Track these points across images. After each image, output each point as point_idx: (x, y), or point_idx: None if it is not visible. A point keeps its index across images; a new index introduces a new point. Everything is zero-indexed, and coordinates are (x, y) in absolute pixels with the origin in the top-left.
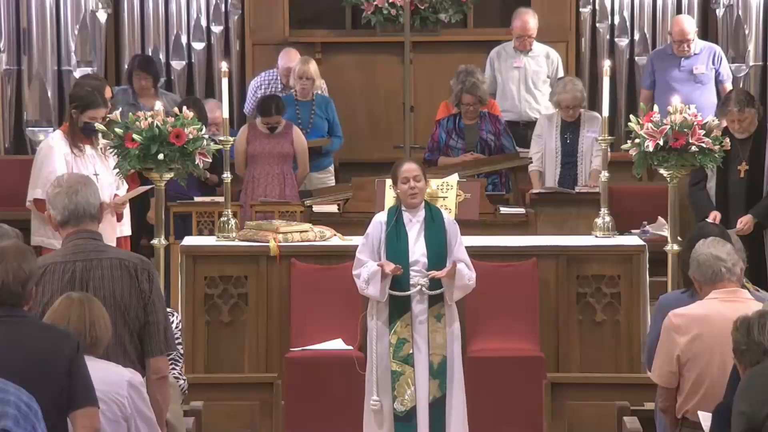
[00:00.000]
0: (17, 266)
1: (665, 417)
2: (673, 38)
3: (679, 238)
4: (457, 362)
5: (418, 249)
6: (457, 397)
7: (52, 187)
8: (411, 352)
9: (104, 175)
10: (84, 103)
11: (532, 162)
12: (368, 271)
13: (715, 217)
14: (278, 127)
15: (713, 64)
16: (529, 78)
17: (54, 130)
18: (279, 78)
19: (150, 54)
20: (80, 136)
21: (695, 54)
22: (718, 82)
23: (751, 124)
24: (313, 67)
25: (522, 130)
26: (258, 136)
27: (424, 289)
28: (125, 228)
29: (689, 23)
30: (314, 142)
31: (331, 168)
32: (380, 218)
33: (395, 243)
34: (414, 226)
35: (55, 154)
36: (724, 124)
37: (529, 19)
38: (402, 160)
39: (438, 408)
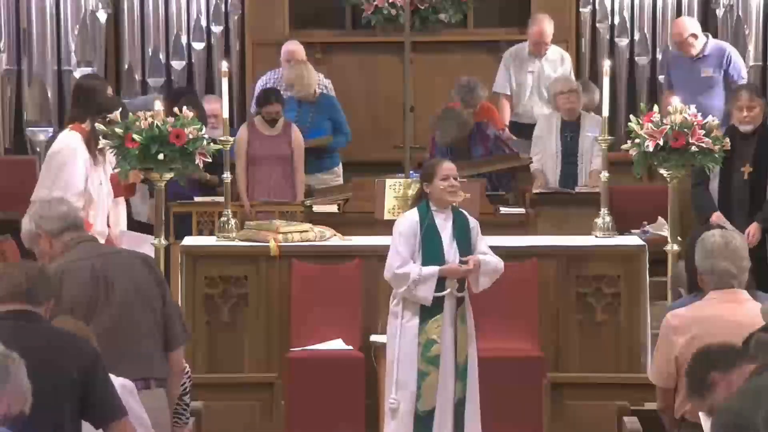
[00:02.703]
0: (41, 267)
1: (664, 417)
2: (673, 40)
3: (679, 238)
4: (476, 361)
5: (452, 250)
6: (475, 395)
7: (37, 206)
8: (440, 353)
9: (106, 184)
10: (105, 109)
11: (532, 162)
12: (418, 273)
13: (717, 218)
14: (278, 119)
15: (725, 64)
16: (542, 83)
17: (60, 131)
18: (283, 76)
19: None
20: (98, 143)
21: (705, 55)
22: (732, 83)
23: (758, 116)
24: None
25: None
26: (258, 137)
27: (454, 291)
28: (122, 228)
29: (685, 23)
30: (314, 142)
31: (337, 169)
32: (413, 217)
33: (430, 244)
34: (445, 226)
35: (78, 158)
36: (732, 121)
37: (546, 26)
38: (436, 159)
39: (461, 408)
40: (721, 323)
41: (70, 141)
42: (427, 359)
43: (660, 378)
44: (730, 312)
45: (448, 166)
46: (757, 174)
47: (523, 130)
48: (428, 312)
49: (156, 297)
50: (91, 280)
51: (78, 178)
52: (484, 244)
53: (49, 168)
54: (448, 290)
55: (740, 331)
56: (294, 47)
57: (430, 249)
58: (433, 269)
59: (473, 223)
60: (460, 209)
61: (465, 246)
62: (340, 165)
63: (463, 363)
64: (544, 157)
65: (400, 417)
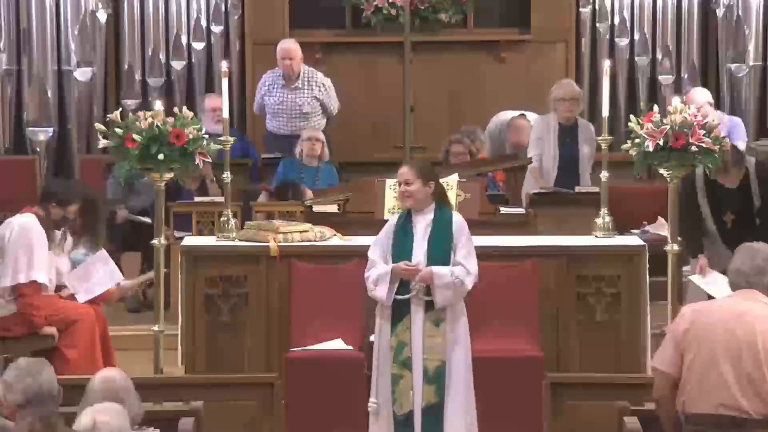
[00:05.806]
0: None
1: (659, 409)
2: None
3: (679, 238)
4: (459, 367)
5: (419, 251)
6: (456, 403)
7: (9, 370)
8: (410, 356)
9: (62, 266)
10: (65, 198)
11: (531, 162)
12: (377, 273)
13: (704, 265)
14: None
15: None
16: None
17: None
18: (281, 75)
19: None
20: (54, 229)
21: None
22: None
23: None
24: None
25: None
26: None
27: (420, 294)
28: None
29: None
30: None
31: None
32: (392, 220)
33: (401, 245)
34: (421, 228)
35: (41, 236)
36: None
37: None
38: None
39: (432, 414)
40: (720, 313)
41: (27, 222)
42: (400, 362)
43: (658, 359)
44: (733, 305)
45: (399, 172)
46: (741, 223)
47: None
48: (398, 315)
49: None
50: None
51: (46, 255)
52: (463, 254)
53: (14, 249)
54: (413, 293)
55: (728, 317)
56: (292, 45)
57: (398, 250)
58: (386, 268)
59: (458, 224)
60: (449, 210)
61: (437, 247)
62: None
63: (436, 368)
64: (543, 158)
65: (380, 420)
